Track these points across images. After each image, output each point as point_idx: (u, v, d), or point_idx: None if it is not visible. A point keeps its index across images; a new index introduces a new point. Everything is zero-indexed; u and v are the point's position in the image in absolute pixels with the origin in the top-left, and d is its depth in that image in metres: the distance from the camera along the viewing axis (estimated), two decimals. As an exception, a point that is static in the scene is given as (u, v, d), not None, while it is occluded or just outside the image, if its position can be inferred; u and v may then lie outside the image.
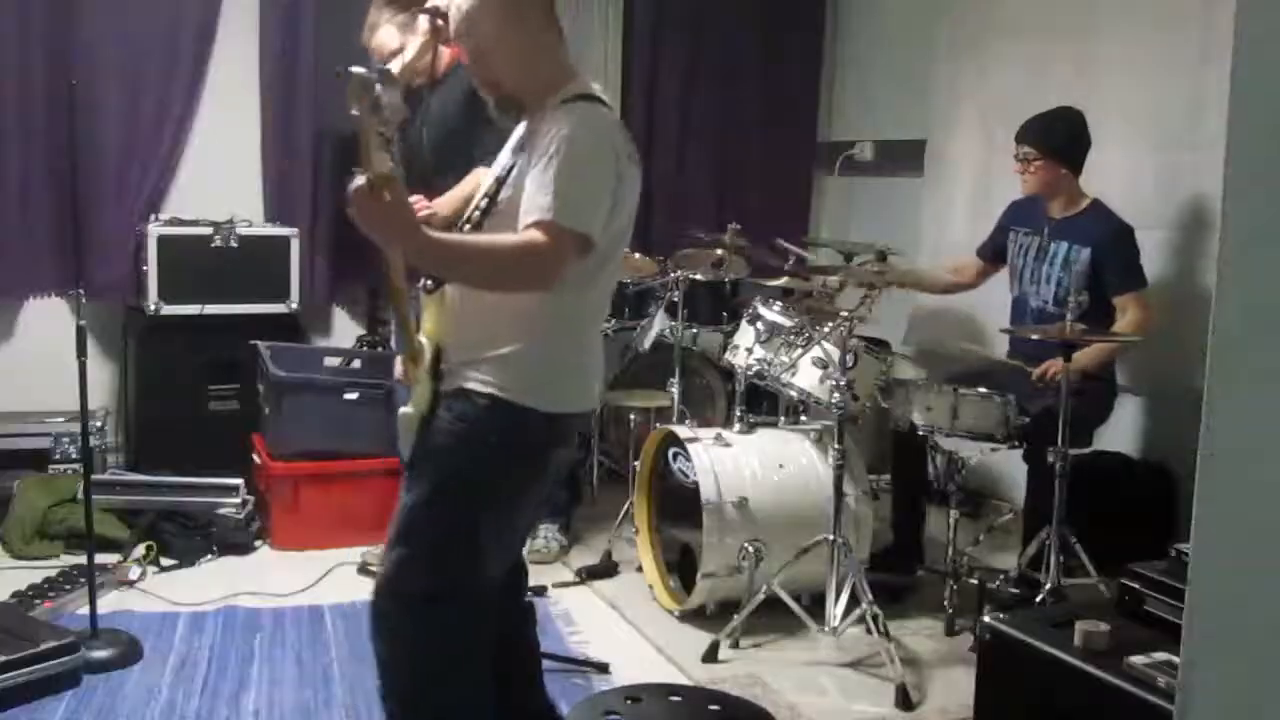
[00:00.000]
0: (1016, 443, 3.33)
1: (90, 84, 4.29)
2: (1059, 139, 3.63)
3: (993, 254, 3.94)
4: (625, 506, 3.89)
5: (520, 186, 2.05)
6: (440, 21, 3.47)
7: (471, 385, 2.09)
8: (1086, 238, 3.58)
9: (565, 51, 2.22)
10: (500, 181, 2.16)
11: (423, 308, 2.22)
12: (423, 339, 2.19)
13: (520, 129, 2.24)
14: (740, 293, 4.29)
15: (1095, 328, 3.33)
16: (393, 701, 2.16)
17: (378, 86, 1.84)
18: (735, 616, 3.24)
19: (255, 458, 4.14)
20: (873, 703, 2.97)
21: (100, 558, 3.28)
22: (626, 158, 2.11)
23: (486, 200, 2.17)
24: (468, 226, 2.16)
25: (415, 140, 3.66)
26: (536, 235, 1.95)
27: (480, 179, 3.47)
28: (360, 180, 1.91)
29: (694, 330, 4.44)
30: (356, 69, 1.87)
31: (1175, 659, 1.32)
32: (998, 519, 4.17)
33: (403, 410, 2.21)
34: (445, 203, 3.44)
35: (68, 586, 3.39)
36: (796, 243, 4.57)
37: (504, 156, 2.24)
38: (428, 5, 3.51)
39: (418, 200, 3.41)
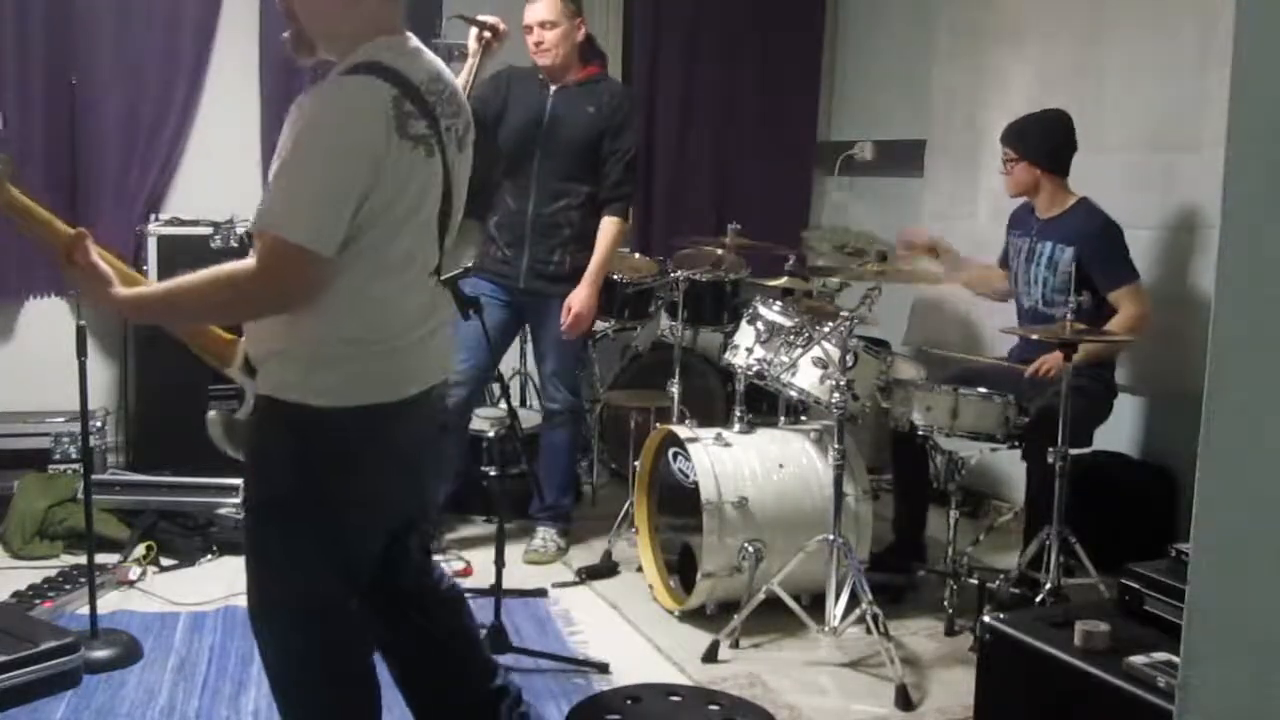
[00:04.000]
0: (1016, 443, 3.33)
1: (90, 84, 4.29)
2: (1035, 141, 3.63)
3: (1008, 261, 3.93)
4: (625, 506, 3.89)
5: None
6: (489, 35, 3.49)
7: (264, 390, 1.95)
8: (1070, 237, 3.57)
9: (386, 10, 1.96)
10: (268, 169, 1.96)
11: None
12: (227, 336, 2.09)
13: None
14: (740, 293, 4.29)
15: (1092, 326, 3.33)
16: (278, 704, 2.11)
17: None
18: (735, 616, 3.24)
19: (255, 458, 4.13)
20: (873, 703, 2.97)
21: (100, 558, 3.28)
22: (388, 132, 1.82)
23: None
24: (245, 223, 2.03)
25: (526, 140, 3.81)
26: (251, 259, 1.82)
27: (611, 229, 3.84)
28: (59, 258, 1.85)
29: (694, 330, 4.44)
30: None
31: (1175, 659, 1.32)
32: (998, 519, 4.18)
33: (209, 414, 2.12)
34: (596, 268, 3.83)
35: (68, 586, 3.39)
36: (797, 243, 4.57)
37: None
38: (479, 18, 3.52)
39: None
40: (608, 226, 3.84)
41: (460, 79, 3.61)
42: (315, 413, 1.91)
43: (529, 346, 4.39)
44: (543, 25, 3.78)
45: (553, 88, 3.86)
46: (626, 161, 3.85)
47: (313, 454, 1.94)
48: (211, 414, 2.09)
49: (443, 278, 3.44)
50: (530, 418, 4.28)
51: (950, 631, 3.37)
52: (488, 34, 3.50)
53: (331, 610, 2.03)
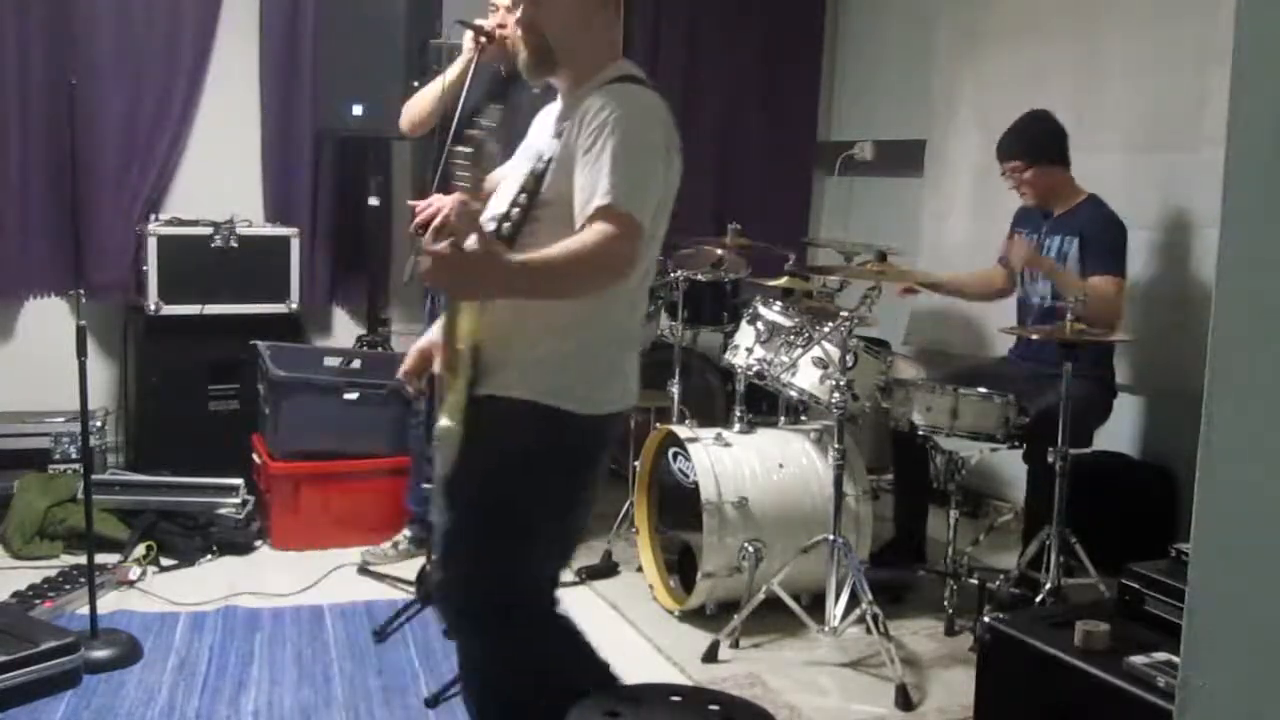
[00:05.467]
0: (1016, 443, 3.33)
1: (90, 84, 4.29)
2: (1041, 141, 3.63)
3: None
4: (625, 506, 3.89)
5: (566, 174, 1.93)
6: (484, 39, 3.49)
7: (508, 391, 1.98)
8: (1076, 228, 3.59)
9: (618, 33, 2.10)
10: (538, 174, 2.00)
11: (455, 311, 2.10)
12: (460, 347, 2.04)
13: (550, 113, 2.12)
14: (740, 293, 4.29)
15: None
16: (479, 703, 2.11)
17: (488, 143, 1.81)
18: (735, 616, 3.24)
19: (255, 458, 4.14)
20: (873, 703, 2.97)
21: (100, 558, 3.28)
22: (673, 143, 2.02)
23: (526, 195, 2.01)
24: (507, 225, 2.01)
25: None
26: (607, 226, 1.84)
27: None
28: (440, 244, 1.77)
29: (694, 330, 4.44)
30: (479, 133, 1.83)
31: (1175, 659, 1.32)
32: (998, 519, 4.18)
33: (443, 424, 2.03)
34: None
35: (68, 586, 3.39)
36: (797, 244, 4.57)
37: (539, 141, 2.10)
38: (475, 22, 3.51)
39: (427, 202, 3.48)
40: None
41: (452, 77, 3.60)
42: (571, 417, 1.98)
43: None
44: (508, 9, 3.63)
45: (503, 73, 3.65)
46: None
47: (564, 457, 2.02)
48: (450, 424, 2.01)
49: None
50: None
51: (950, 631, 3.37)
52: (483, 39, 3.51)
53: (525, 611, 2.07)
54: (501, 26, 3.61)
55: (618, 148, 1.87)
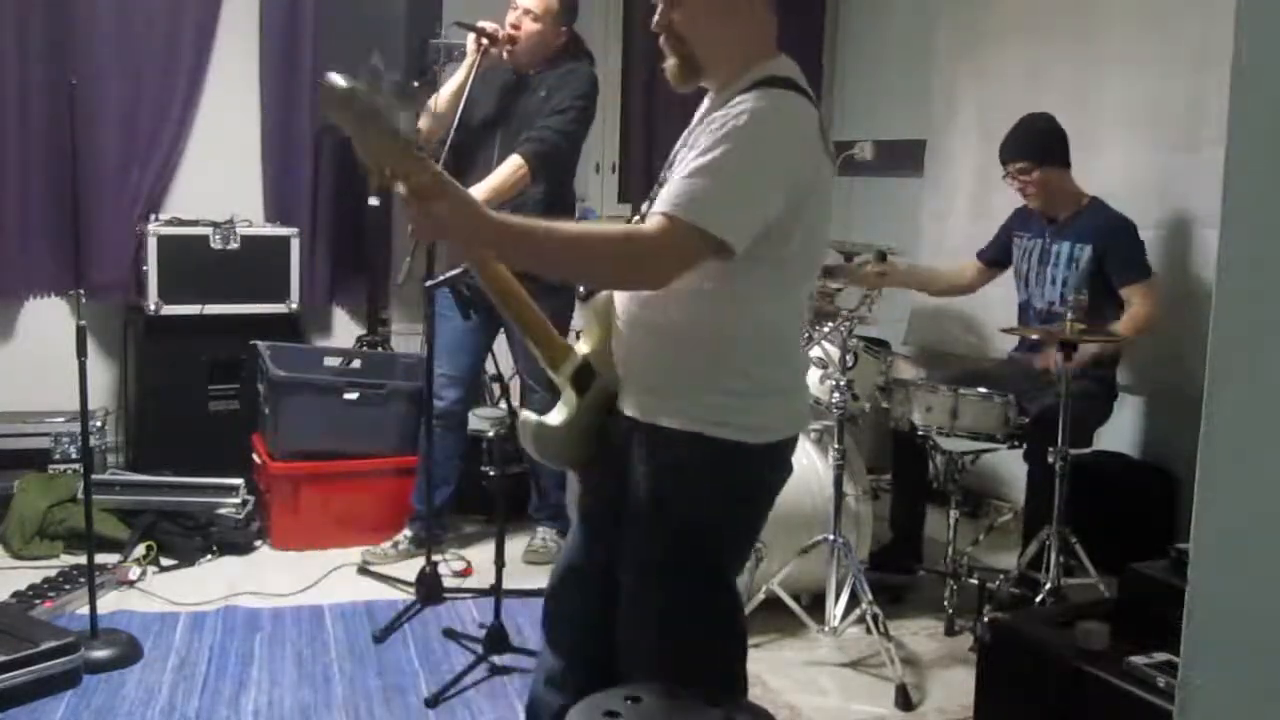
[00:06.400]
0: (1016, 443, 3.33)
1: (90, 84, 4.29)
2: (1046, 143, 3.63)
3: (992, 258, 3.94)
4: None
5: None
6: (486, 41, 3.49)
7: (668, 422, 1.84)
8: (1088, 235, 3.58)
9: (772, 27, 1.93)
10: (660, 185, 1.86)
11: (583, 321, 1.99)
12: (581, 346, 1.94)
13: (702, 110, 1.99)
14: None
15: (1097, 323, 3.33)
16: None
17: (361, 97, 1.59)
18: (735, 616, 3.23)
19: (255, 458, 4.14)
20: (873, 703, 2.97)
21: (100, 558, 3.28)
22: (820, 153, 1.85)
23: (648, 202, 1.87)
24: (636, 219, 1.89)
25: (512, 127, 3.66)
26: (654, 234, 1.72)
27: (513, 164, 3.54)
28: (400, 190, 1.65)
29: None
30: (334, 80, 1.59)
31: (1175, 659, 1.32)
32: (998, 519, 4.18)
33: (531, 416, 1.92)
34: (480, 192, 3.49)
35: (68, 586, 3.39)
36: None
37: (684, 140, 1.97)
38: (477, 24, 3.52)
39: None
40: (505, 163, 3.55)
41: (458, 80, 3.63)
42: (744, 448, 1.84)
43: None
44: (527, 12, 3.59)
45: (515, 78, 3.71)
46: (557, 111, 3.57)
47: (738, 490, 1.90)
48: (529, 417, 1.91)
49: (442, 278, 3.46)
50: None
51: (950, 631, 3.37)
52: (485, 40, 3.51)
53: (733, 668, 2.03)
54: (515, 28, 3.62)
55: (725, 160, 1.73)
